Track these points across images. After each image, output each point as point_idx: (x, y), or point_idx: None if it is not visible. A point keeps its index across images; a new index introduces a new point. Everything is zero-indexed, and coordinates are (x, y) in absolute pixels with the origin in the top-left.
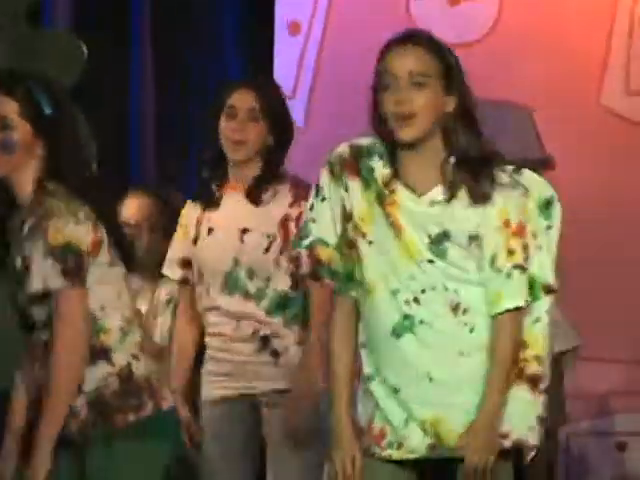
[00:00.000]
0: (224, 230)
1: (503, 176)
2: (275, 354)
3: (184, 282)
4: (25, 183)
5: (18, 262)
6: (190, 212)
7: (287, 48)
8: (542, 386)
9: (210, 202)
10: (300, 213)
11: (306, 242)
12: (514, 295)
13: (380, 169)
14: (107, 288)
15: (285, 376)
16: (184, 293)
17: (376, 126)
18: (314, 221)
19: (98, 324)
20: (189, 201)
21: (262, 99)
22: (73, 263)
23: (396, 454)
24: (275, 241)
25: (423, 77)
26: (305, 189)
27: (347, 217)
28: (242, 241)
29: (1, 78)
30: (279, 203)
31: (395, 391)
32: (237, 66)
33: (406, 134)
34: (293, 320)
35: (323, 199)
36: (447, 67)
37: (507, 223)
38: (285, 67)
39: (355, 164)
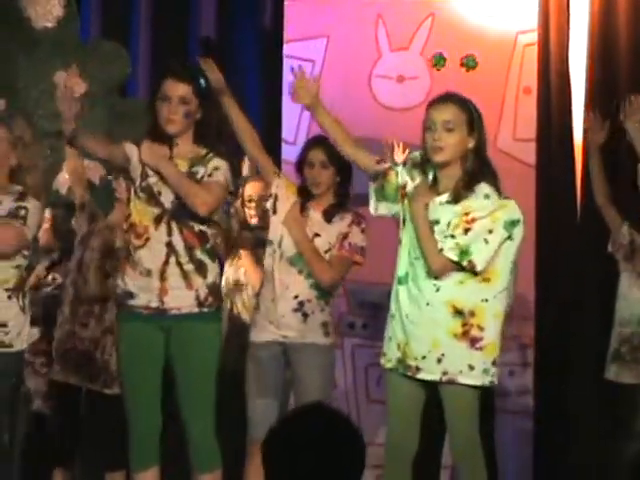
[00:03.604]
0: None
1: (485, 189)
2: (305, 315)
3: None
4: (187, 139)
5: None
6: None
7: (291, 110)
8: (478, 345)
9: (302, 212)
10: (348, 233)
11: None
12: (451, 250)
13: (430, 176)
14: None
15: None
16: None
17: (423, 151)
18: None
19: None
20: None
21: (330, 152)
22: None
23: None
24: (332, 248)
25: (452, 124)
26: (361, 217)
27: (405, 194)
28: (312, 240)
29: (177, 70)
30: (342, 223)
31: (392, 317)
32: (256, 127)
33: (436, 157)
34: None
35: (398, 170)
36: (470, 118)
37: (467, 214)
38: (289, 122)
39: (423, 167)
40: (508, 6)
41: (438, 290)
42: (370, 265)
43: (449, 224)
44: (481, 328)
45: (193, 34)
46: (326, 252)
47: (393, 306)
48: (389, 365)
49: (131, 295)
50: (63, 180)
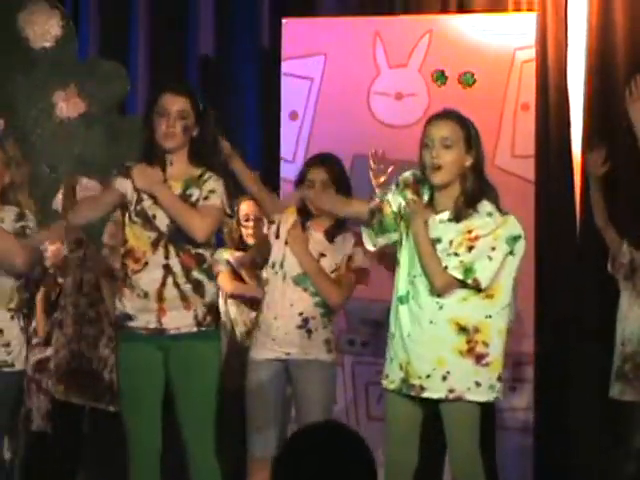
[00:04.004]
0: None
1: (487, 207)
2: (309, 332)
3: None
4: (183, 157)
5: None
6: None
7: (289, 129)
8: (484, 361)
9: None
10: (353, 254)
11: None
12: (456, 269)
13: (425, 195)
14: None
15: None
16: None
17: (421, 170)
18: (386, 195)
19: None
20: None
21: (331, 172)
22: None
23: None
24: (338, 269)
25: (450, 141)
26: (361, 241)
27: (401, 216)
28: (319, 260)
29: (176, 86)
30: (345, 243)
31: (392, 337)
32: (255, 145)
33: (435, 179)
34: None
35: (390, 195)
36: (468, 135)
37: (470, 232)
38: (287, 142)
39: (417, 187)
40: (506, 23)
41: (441, 308)
42: (370, 282)
43: (451, 242)
44: (486, 344)
45: (191, 53)
46: (332, 272)
47: (393, 326)
48: (392, 387)
49: (129, 317)
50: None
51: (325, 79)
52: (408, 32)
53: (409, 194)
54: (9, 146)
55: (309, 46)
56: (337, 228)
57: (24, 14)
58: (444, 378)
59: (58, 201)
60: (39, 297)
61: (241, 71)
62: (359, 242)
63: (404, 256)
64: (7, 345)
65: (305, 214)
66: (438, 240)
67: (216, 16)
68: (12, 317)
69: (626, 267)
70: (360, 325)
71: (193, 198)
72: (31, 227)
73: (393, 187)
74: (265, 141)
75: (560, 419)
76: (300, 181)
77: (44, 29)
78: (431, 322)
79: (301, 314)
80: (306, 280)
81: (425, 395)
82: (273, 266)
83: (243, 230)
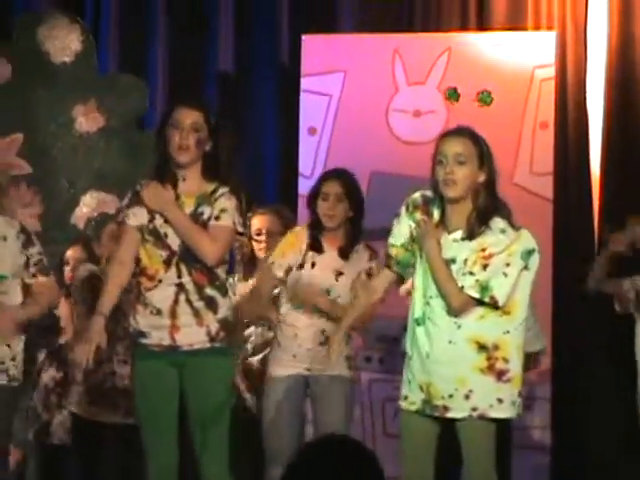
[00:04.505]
0: (323, 269)
1: (500, 224)
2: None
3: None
4: (196, 172)
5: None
6: (301, 240)
7: (307, 145)
8: (505, 377)
9: (317, 249)
10: (371, 268)
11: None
12: (472, 288)
13: (435, 215)
14: None
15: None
16: None
17: (433, 185)
18: (391, 236)
19: None
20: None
21: (346, 186)
22: None
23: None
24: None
25: (464, 157)
26: (374, 250)
27: (413, 239)
28: (336, 280)
29: (190, 100)
30: (360, 259)
31: (410, 359)
32: (273, 161)
33: (449, 192)
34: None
35: (398, 222)
36: (481, 152)
37: (483, 250)
38: (306, 157)
39: (426, 208)
40: (525, 41)
41: (460, 327)
42: (386, 299)
43: (466, 261)
44: (506, 360)
45: (211, 68)
46: (350, 290)
47: (410, 348)
48: (413, 408)
49: (143, 334)
50: (80, 214)
51: (344, 96)
52: (427, 50)
53: (419, 215)
54: None
55: (328, 63)
56: (351, 245)
57: (44, 29)
58: (467, 397)
59: (76, 216)
60: (65, 312)
61: (260, 87)
62: (372, 254)
63: (419, 278)
64: (14, 359)
65: (317, 228)
66: (452, 260)
67: (236, 32)
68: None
69: (634, 301)
70: (377, 342)
71: (205, 216)
72: (35, 261)
73: (402, 210)
74: (283, 156)
75: (577, 438)
76: (314, 194)
77: (64, 43)
78: (450, 342)
79: (323, 332)
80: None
81: (449, 415)
82: (295, 295)
83: (255, 244)
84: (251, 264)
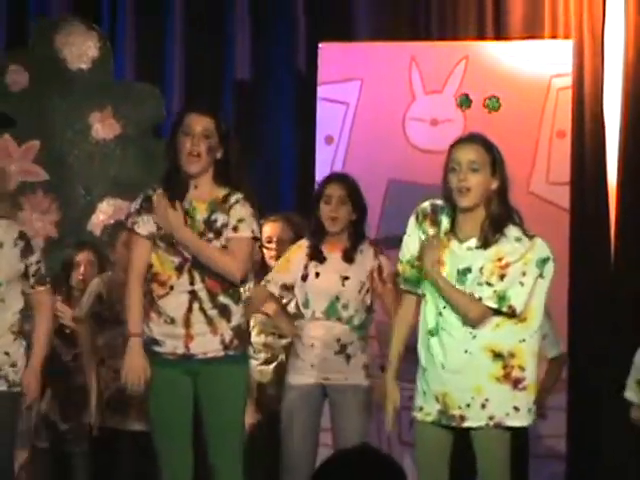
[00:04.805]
0: (329, 276)
1: (514, 232)
2: (348, 357)
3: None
4: (207, 179)
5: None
6: (299, 256)
7: (324, 153)
8: (521, 385)
9: (319, 258)
10: (379, 264)
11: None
12: (490, 299)
13: (445, 224)
14: None
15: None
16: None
17: (445, 194)
18: (400, 251)
19: None
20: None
21: (349, 189)
22: None
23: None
24: (364, 286)
25: (477, 164)
26: (378, 246)
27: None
28: (343, 285)
29: (201, 106)
30: (365, 258)
31: (424, 370)
32: (290, 169)
33: (463, 202)
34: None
35: (408, 235)
36: (493, 159)
37: (500, 260)
38: (322, 166)
39: (434, 217)
40: (542, 50)
41: (475, 337)
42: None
43: (481, 270)
44: (522, 368)
45: (228, 77)
46: (359, 291)
47: (424, 359)
48: (429, 419)
49: (157, 342)
50: (97, 222)
51: (361, 104)
52: (444, 58)
53: (427, 224)
54: None
55: (345, 71)
56: (354, 248)
57: (61, 35)
58: (483, 406)
59: (93, 223)
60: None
61: (277, 95)
62: (377, 250)
63: (428, 290)
64: (14, 365)
65: (318, 233)
66: (468, 269)
67: (253, 40)
68: (15, 339)
69: None
70: None
71: (218, 224)
72: (34, 271)
73: (412, 220)
74: (300, 165)
75: (593, 447)
76: (318, 197)
77: (81, 50)
78: (466, 351)
79: (338, 340)
80: (335, 310)
81: (466, 425)
82: (301, 306)
83: (265, 252)
84: (262, 272)
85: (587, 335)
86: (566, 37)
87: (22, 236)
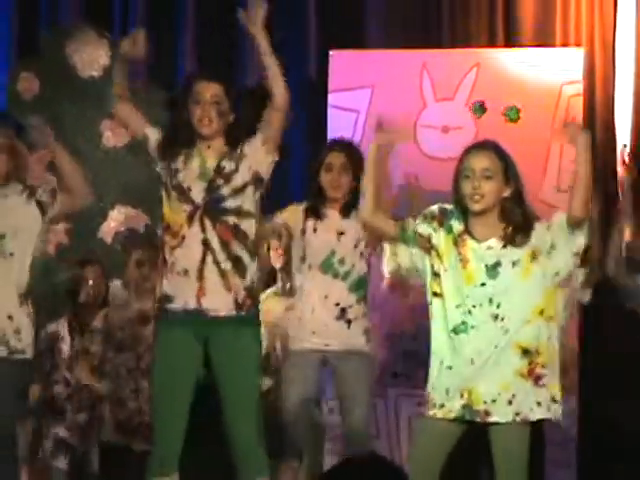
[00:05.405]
0: (326, 231)
1: (539, 227)
2: (349, 322)
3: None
4: (220, 142)
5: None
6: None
7: None
8: (541, 382)
9: (317, 215)
10: None
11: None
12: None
13: (456, 225)
14: None
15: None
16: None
17: (456, 199)
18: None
19: None
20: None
21: (350, 157)
22: None
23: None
24: (360, 242)
25: (490, 172)
26: None
27: (431, 246)
28: (339, 240)
29: (209, 72)
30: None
31: (449, 368)
32: (300, 176)
33: (476, 207)
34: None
35: (417, 223)
36: (506, 166)
37: (534, 254)
38: None
39: (442, 219)
40: (553, 57)
41: (506, 332)
42: (412, 314)
43: (517, 262)
44: (544, 366)
45: (238, 84)
46: (356, 246)
47: (447, 357)
48: (451, 415)
49: (169, 298)
50: (108, 229)
51: (371, 111)
52: (455, 65)
53: (435, 224)
54: (7, 132)
55: (356, 79)
56: (352, 205)
57: (72, 43)
58: (509, 402)
59: (103, 230)
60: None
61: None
62: None
63: (447, 286)
64: (17, 332)
65: (320, 200)
66: (497, 264)
67: None
68: (21, 303)
69: None
70: (403, 358)
71: (226, 170)
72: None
73: (420, 218)
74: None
75: (604, 452)
76: (319, 164)
77: (92, 58)
78: (496, 347)
79: (337, 304)
80: (332, 265)
81: (491, 420)
82: (296, 262)
83: (272, 254)
84: (269, 277)
85: (597, 340)
86: (577, 45)
87: (27, 187)
